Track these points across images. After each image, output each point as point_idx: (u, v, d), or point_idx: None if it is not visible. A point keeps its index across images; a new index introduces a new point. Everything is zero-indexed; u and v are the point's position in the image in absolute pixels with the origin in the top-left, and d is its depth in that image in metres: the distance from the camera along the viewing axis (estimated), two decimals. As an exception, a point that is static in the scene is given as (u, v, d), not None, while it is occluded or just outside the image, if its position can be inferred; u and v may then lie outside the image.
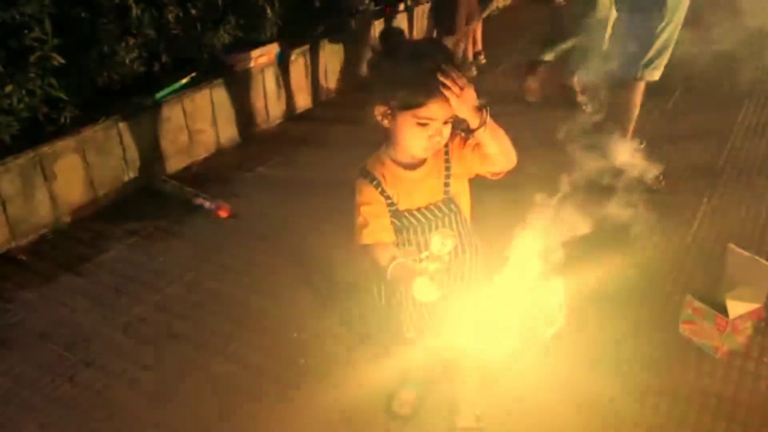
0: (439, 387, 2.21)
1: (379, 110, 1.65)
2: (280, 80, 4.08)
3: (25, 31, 2.94)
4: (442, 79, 1.55)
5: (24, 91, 2.96)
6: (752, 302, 2.27)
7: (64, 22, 3.08)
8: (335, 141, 3.89)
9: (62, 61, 3.03)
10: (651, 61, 3.12)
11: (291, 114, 4.20)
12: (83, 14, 3.20)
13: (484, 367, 2.07)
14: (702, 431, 2.09)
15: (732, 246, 2.37)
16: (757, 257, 2.32)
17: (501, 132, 1.65)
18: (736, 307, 2.24)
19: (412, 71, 1.60)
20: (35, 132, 3.09)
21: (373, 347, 2.35)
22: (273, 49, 3.98)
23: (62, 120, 3.15)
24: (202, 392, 2.29)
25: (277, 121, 4.15)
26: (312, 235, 3.03)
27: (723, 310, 2.26)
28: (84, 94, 3.26)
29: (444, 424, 2.13)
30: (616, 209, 2.67)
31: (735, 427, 2.09)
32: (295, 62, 4.14)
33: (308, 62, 4.23)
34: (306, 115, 4.29)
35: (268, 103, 4.05)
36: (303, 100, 4.28)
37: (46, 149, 3.06)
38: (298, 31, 4.13)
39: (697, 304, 2.30)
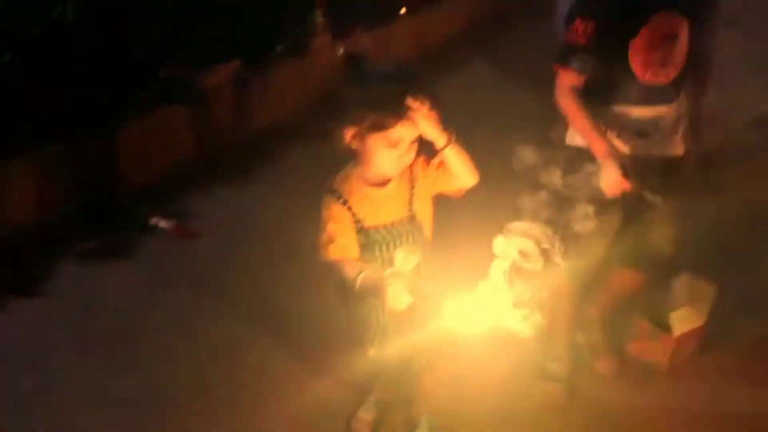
0: (397, 409, 2.24)
1: (349, 132, 1.71)
2: (239, 99, 4.08)
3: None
4: (410, 102, 1.64)
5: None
6: (696, 321, 2.38)
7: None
8: (294, 161, 3.89)
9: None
10: None
11: (250, 132, 4.19)
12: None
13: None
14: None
15: None
16: (699, 279, 2.45)
17: (463, 151, 1.74)
18: (681, 326, 2.35)
19: (381, 95, 1.67)
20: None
21: (336, 368, 2.36)
22: (232, 68, 3.99)
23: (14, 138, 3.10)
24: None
25: (236, 140, 4.13)
26: (269, 254, 3.03)
27: (669, 329, 2.37)
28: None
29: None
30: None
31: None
32: (253, 81, 4.14)
33: (267, 81, 4.24)
34: (265, 134, 4.28)
35: (227, 122, 4.05)
36: (261, 119, 4.27)
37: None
38: (258, 50, 4.15)
39: (645, 323, 2.41)
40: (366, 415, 2.21)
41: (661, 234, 2.25)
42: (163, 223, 3.23)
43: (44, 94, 3.20)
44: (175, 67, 3.71)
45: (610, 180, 2.02)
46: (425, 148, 1.78)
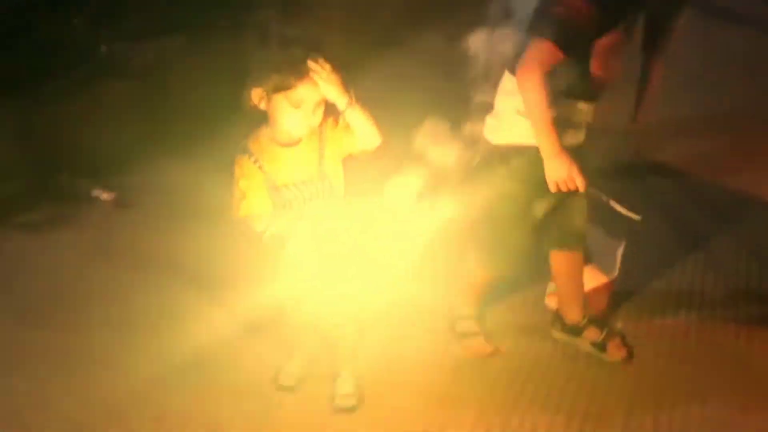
0: (321, 361, 2.33)
1: (255, 93, 1.82)
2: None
3: None
4: (310, 64, 1.75)
5: None
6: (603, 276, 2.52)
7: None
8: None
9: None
10: None
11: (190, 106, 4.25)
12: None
13: (359, 324, 2.21)
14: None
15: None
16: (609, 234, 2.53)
17: (366, 112, 1.85)
18: (590, 281, 2.48)
19: (282, 57, 1.79)
20: None
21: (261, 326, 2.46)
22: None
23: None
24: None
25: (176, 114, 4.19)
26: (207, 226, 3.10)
27: None
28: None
29: (326, 394, 2.25)
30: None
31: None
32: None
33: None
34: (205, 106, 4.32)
35: (168, 96, 4.09)
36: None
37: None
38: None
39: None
40: (292, 368, 2.31)
41: (581, 212, 2.28)
42: (104, 195, 3.31)
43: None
44: (116, 41, 3.75)
45: (561, 175, 2.06)
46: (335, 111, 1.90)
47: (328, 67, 1.78)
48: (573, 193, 2.16)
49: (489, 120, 2.22)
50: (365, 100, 1.89)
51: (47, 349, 2.45)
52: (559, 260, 2.37)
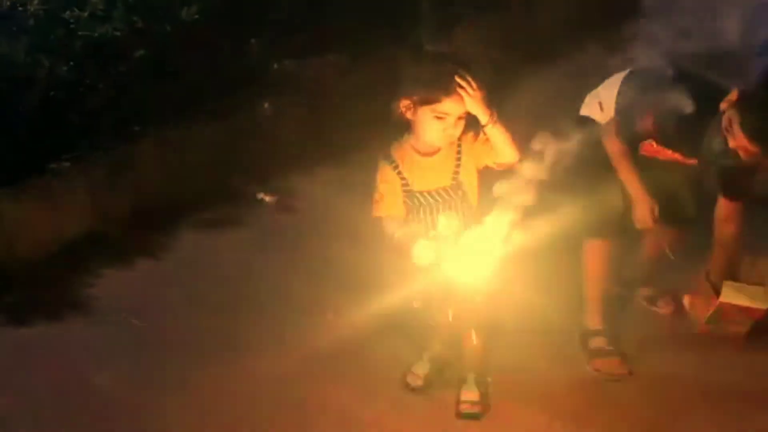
0: (451, 364, 2.41)
1: (403, 104, 1.96)
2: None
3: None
4: (457, 80, 1.87)
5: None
6: (753, 300, 2.40)
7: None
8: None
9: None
10: None
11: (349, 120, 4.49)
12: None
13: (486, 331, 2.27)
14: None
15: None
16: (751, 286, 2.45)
17: (506, 129, 1.94)
18: (730, 295, 2.39)
19: (432, 72, 1.91)
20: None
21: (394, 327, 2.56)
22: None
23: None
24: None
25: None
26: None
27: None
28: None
29: (452, 398, 2.31)
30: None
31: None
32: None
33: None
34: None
35: (331, 110, 4.35)
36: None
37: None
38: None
39: (706, 282, 2.48)
40: (420, 369, 2.39)
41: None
42: (267, 198, 3.61)
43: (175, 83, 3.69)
44: (286, 59, 4.09)
45: (644, 216, 2.36)
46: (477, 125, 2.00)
47: (473, 83, 1.88)
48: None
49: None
50: (508, 116, 1.98)
51: (209, 335, 2.70)
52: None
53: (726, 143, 2.12)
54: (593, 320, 2.49)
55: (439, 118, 1.92)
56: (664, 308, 2.70)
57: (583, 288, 2.52)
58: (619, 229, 2.44)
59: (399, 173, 2.00)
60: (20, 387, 2.45)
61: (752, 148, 2.07)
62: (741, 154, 2.11)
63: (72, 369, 2.53)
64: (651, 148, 2.36)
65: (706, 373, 2.40)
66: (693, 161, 2.34)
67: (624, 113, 2.34)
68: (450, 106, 1.91)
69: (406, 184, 2.00)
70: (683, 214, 2.55)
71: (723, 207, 2.39)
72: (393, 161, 2.01)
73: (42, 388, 2.45)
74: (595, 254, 2.45)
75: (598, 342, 2.45)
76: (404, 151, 2.02)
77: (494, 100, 1.96)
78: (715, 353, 2.46)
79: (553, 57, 5.02)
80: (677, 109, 2.13)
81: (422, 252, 1.89)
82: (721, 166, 2.26)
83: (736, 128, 2.06)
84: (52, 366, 2.56)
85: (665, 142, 2.32)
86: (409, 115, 1.97)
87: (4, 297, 2.94)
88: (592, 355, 2.44)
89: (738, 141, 2.07)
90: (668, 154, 2.34)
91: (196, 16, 3.56)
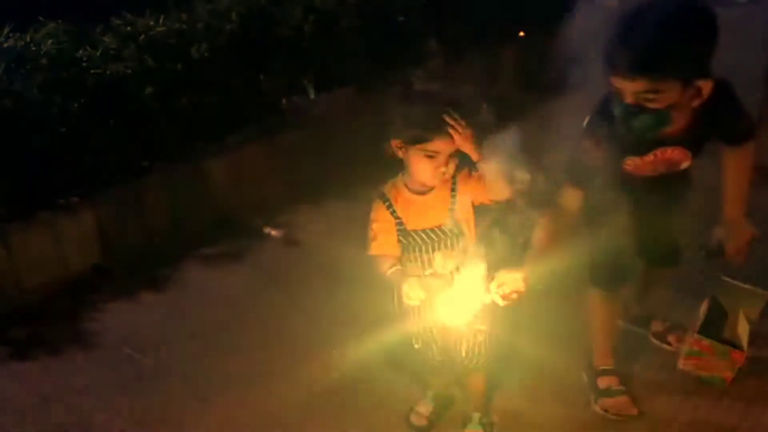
0: (454, 403, 2.41)
1: (394, 144, 1.97)
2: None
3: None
4: (447, 120, 1.88)
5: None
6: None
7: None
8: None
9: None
10: None
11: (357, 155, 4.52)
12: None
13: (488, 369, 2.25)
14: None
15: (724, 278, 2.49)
16: (746, 285, 2.45)
17: (497, 166, 1.92)
18: (744, 340, 2.36)
19: (422, 112, 1.92)
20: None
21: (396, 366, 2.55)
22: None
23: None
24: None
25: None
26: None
27: (730, 344, 2.37)
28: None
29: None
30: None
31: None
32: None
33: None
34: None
35: (339, 145, 4.39)
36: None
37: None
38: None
39: (706, 341, 2.38)
40: (424, 408, 2.38)
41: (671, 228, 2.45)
42: (273, 232, 3.64)
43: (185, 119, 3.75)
44: (295, 95, 4.15)
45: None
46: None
47: (463, 123, 1.88)
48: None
49: None
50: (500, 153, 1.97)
51: (212, 370, 2.71)
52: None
53: (622, 102, 1.90)
54: (601, 359, 2.45)
55: (429, 157, 1.91)
56: (674, 344, 2.63)
57: (590, 328, 2.47)
58: (614, 276, 2.37)
59: (393, 212, 1.99)
60: (22, 422, 2.48)
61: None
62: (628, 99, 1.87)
63: (75, 406, 2.55)
64: (631, 163, 2.16)
65: (716, 415, 2.35)
66: (683, 151, 2.13)
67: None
68: (440, 146, 1.90)
69: (401, 223, 2.00)
70: (667, 254, 2.52)
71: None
72: (387, 200, 2.00)
73: (44, 423, 2.47)
74: (595, 301, 2.40)
75: (606, 381, 2.40)
76: (398, 190, 2.01)
77: (487, 136, 1.95)
78: (726, 396, 2.41)
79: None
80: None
81: (411, 291, 1.89)
82: (644, 122, 1.92)
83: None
84: (54, 399, 2.58)
85: (624, 149, 2.09)
86: (400, 154, 1.97)
87: (10, 330, 2.99)
88: (600, 394, 2.39)
89: None
90: (648, 161, 2.14)
91: (207, 54, 3.63)
